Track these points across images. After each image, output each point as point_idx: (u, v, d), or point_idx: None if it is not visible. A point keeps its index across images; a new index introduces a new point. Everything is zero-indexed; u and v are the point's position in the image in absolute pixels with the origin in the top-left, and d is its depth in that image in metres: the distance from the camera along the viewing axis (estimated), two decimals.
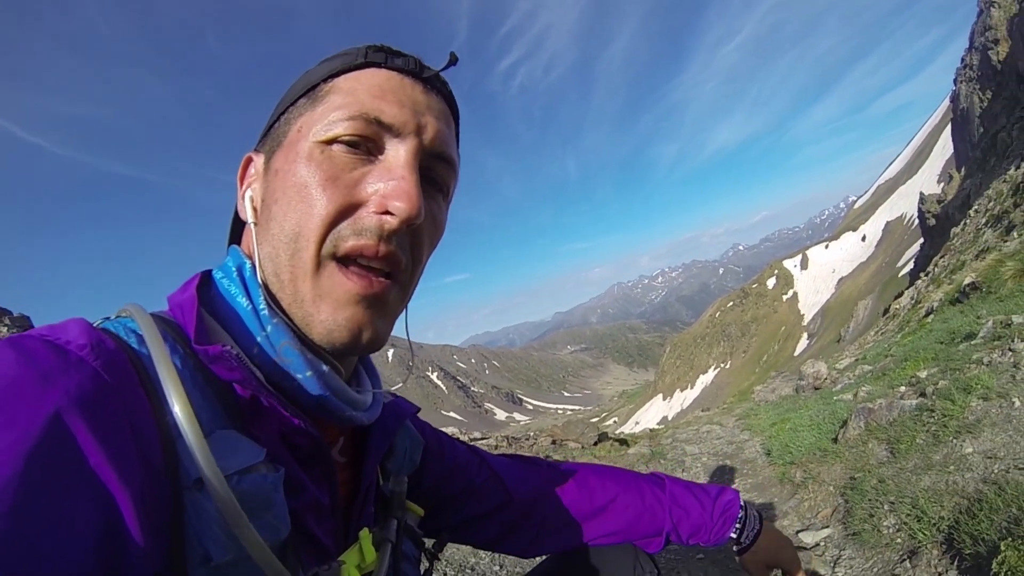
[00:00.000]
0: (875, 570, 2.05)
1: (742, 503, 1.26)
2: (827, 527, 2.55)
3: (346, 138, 0.69)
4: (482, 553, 2.93)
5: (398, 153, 0.70)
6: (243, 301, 0.69)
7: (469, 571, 2.80)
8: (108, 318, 0.66)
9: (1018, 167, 16.80)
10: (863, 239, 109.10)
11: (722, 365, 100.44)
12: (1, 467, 0.43)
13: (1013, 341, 3.39)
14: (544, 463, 1.28)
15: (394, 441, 0.94)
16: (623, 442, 5.94)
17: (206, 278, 0.74)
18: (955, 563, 1.81)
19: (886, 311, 15.40)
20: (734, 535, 1.23)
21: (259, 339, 0.67)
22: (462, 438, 5.68)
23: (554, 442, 6.20)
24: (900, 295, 15.78)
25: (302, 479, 0.68)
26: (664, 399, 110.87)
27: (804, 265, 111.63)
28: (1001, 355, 3.29)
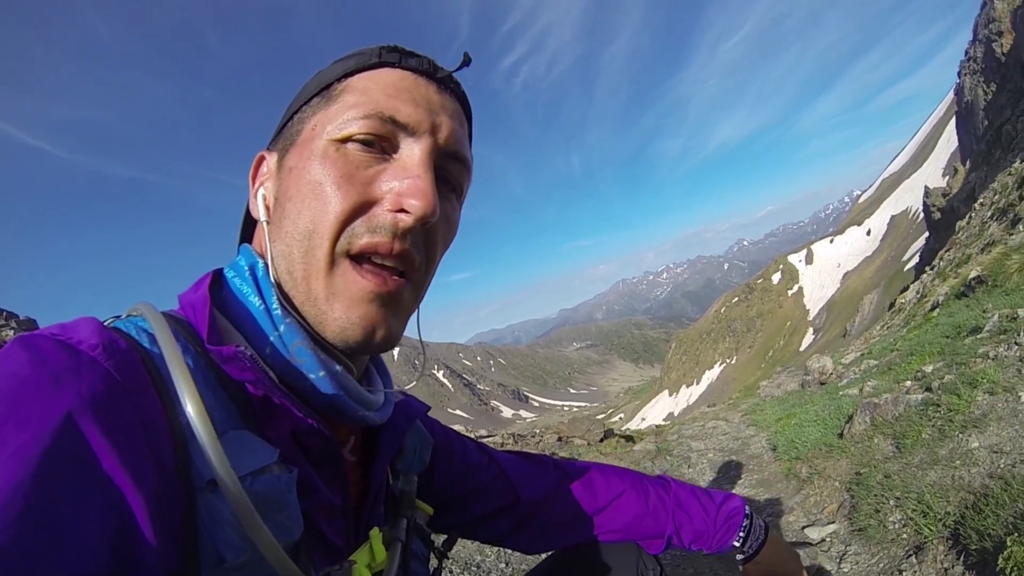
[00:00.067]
0: (881, 566, 2.04)
1: (747, 511, 1.25)
2: (833, 523, 2.54)
3: (361, 136, 0.68)
4: (488, 551, 2.93)
5: (413, 152, 0.70)
6: (255, 300, 0.69)
7: (475, 568, 2.80)
8: (119, 317, 0.66)
9: (1023, 159, 16.71)
10: (868, 233, 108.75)
11: (728, 361, 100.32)
12: (13, 469, 0.43)
13: (1019, 335, 3.37)
14: (550, 461, 1.28)
15: (404, 440, 0.94)
16: (629, 439, 5.94)
17: (217, 277, 0.74)
18: (961, 559, 1.80)
19: (891, 305, 15.35)
20: (737, 543, 1.21)
21: (272, 339, 0.67)
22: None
23: (560, 439, 6.20)
24: (905, 289, 15.72)
25: (314, 479, 0.68)
26: (670, 395, 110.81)
27: (809, 260, 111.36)
28: (1007, 349, 3.27)
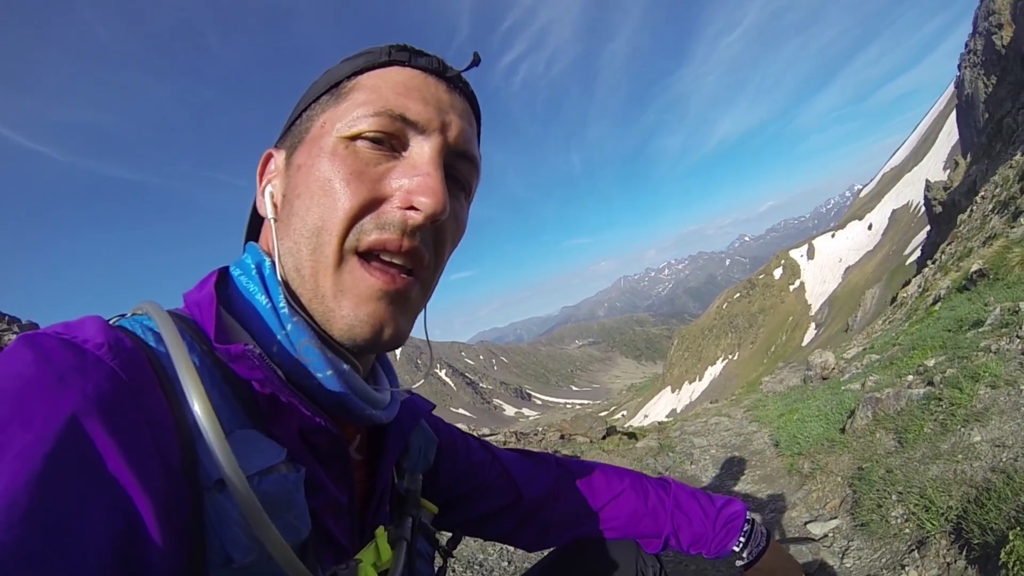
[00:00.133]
0: (883, 560, 2.04)
1: (748, 517, 1.25)
2: (835, 518, 2.54)
3: (370, 134, 0.68)
4: (490, 549, 2.93)
5: (423, 150, 0.70)
6: (262, 299, 0.68)
7: (478, 567, 2.80)
8: (123, 315, 0.66)
9: None
10: (869, 228, 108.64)
11: (730, 356, 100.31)
12: (17, 470, 0.43)
13: (1021, 328, 3.36)
14: (552, 459, 1.28)
15: (410, 439, 0.94)
16: (631, 436, 5.94)
17: (223, 275, 0.73)
18: (963, 553, 1.80)
19: (893, 300, 15.34)
20: (737, 548, 1.21)
21: (279, 337, 0.67)
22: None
23: (562, 437, 6.20)
24: (907, 283, 15.71)
25: (321, 478, 0.68)
26: (673, 392, 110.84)
27: (811, 255, 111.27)
28: (1009, 342, 3.27)
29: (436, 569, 0.98)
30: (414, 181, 0.67)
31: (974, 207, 18.05)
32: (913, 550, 1.97)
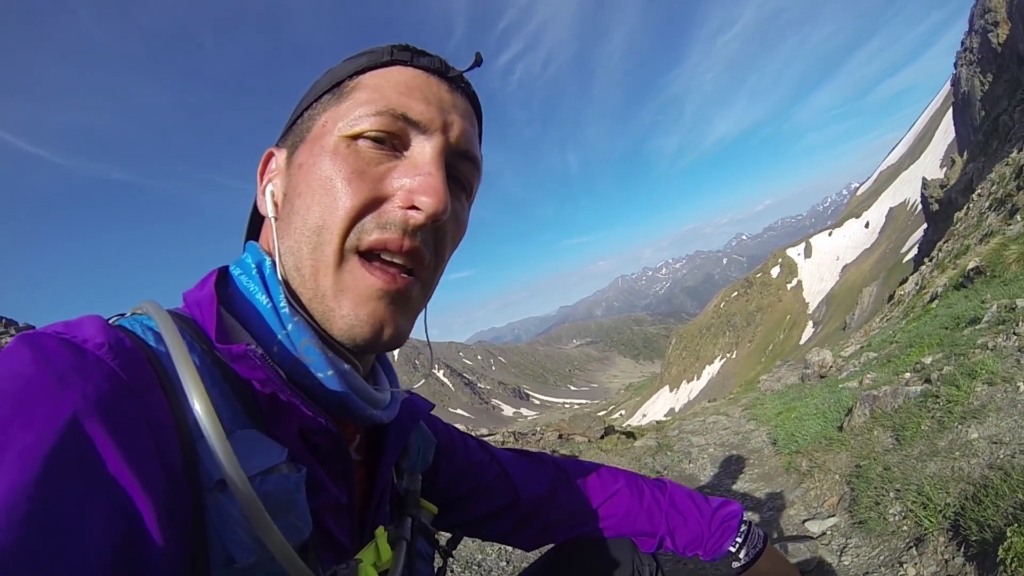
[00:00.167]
0: (881, 558, 2.04)
1: (745, 519, 1.25)
2: (833, 516, 2.54)
3: (372, 133, 0.68)
4: (489, 549, 2.93)
5: (424, 149, 0.70)
6: (263, 298, 0.68)
7: (476, 567, 2.80)
8: (123, 315, 0.65)
9: (1020, 150, 16.71)
10: (866, 226, 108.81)
11: (728, 355, 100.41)
12: (18, 471, 0.42)
13: (1017, 325, 3.37)
14: (549, 459, 1.28)
15: (409, 440, 0.94)
16: (630, 435, 5.94)
17: (223, 275, 0.73)
18: (961, 550, 1.80)
19: (891, 297, 15.35)
20: (733, 548, 1.20)
21: (280, 337, 0.67)
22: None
23: (561, 436, 6.20)
24: (904, 281, 15.72)
25: (322, 477, 0.68)
26: (671, 391, 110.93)
27: (808, 253, 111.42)
28: (1005, 339, 3.27)
29: (436, 569, 0.98)
30: (415, 181, 0.67)
31: (971, 205, 18.09)
32: (911, 547, 1.97)
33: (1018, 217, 9.75)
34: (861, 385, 4.26)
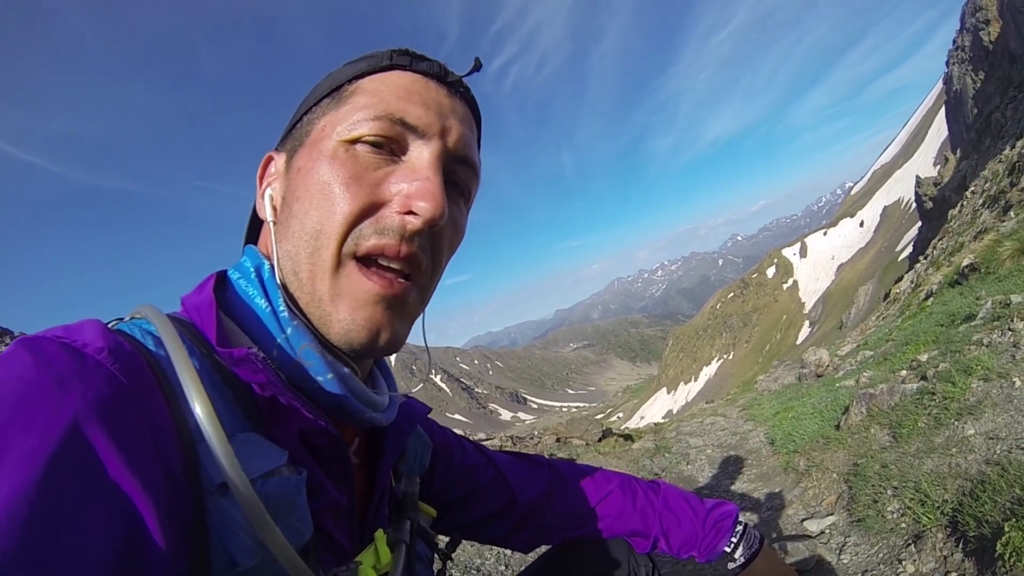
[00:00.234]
0: (880, 555, 2.04)
1: (740, 519, 1.24)
2: (831, 514, 2.54)
3: (370, 138, 0.68)
4: (487, 553, 2.93)
5: (422, 154, 0.70)
6: (262, 303, 0.68)
7: (475, 572, 2.80)
8: (122, 319, 0.65)
9: (1013, 147, 16.80)
10: (861, 225, 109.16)
11: (725, 356, 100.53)
12: (19, 476, 0.42)
13: (1012, 321, 3.38)
14: (545, 462, 1.28)
15: (407, 443, 0.94)
16: (627, 437, 5.93)
17: (221, 279, 0.73)
18: (959, 546, 1.80)
19: (886, 296, 15.40)
20: (728, 548, 1.20)
21: (279, 340, 0.67)
22: None
23: (558, 440, 6.19)
24: (900, 279, 15.78)
25: (322, 480, 0.68)
26: (668, 392, 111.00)
27: (803, 253, 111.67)
28: (1001, 335, 3.28)
29: (435, 572, 0.98)
30: (413, 186, 0.68)
31: (964, 202, 18.17)
32: (910, 544, 1.97)
33: (1011, 214, 9.80)
34: (858, 384, 4.27)
